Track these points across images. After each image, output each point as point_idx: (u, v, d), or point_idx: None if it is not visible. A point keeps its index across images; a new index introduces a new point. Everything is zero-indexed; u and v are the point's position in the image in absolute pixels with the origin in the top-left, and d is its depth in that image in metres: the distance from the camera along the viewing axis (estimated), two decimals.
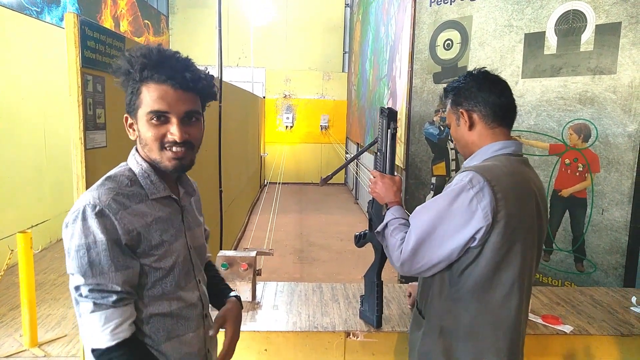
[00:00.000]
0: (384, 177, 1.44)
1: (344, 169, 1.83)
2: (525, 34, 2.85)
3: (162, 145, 1.00)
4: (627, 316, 1.84)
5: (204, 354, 1.14)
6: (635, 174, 2.49)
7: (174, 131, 0.98)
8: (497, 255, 1.15)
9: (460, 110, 1.29)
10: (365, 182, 7.36)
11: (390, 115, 1.46)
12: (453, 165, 3.40)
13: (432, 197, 3.55)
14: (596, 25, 2.57)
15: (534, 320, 1.75)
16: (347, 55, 10.72)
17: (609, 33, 2.53)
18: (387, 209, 1.38)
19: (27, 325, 2.86)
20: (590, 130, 2.63)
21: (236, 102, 5.67)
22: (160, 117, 0.98)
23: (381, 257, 1.59)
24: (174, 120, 0.98)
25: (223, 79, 4.62)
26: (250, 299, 1.90)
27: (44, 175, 5.05)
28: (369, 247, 1.67)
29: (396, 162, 1.58)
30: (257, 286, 2.02)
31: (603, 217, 2.62)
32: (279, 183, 9.09)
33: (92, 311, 0.92)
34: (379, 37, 6.40)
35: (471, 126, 1.28)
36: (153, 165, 1.03)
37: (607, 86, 2.55)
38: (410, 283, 1.82)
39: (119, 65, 0.99)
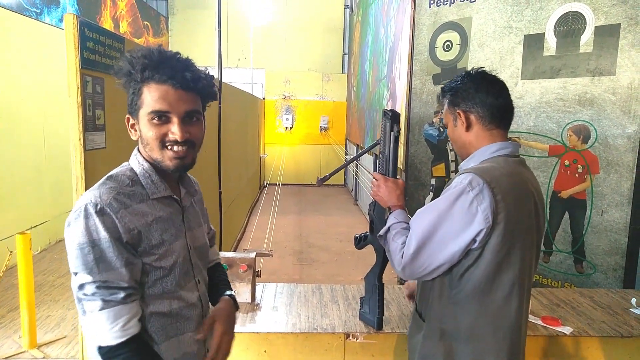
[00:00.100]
0: (387, 181, 1.43)
1: (341, 170, 1.82)
2: (524, 35, 2.85)
3: (163, 144, 1.00)
4: (626, 317, 1.84)
5: (204, 353, 1.14)
6: (634, 175, 2.49)
7: (175, 130, 0.99)
8: (497, 257, 1.15)
9: (458, 111, 1.28)
10: (365, 184, 7.36)
11: (393, 117, 1.46)
12: (452, 167, 3.40)
13: (432, 198, 3.55)
14: (595, 27, 2.57)
15: (533, 321, 1.75)
16: (346, 56, 10.73)
17: (608, 34, 2.53)
18: (390, 213, 1.38)
19: (26, 327, 2.86)
20: (589, 131, 2.63)
21: (236, 104, 5.67)
22: (161, 117, 0.99)
23: (382, 260, 1.59)
24: (175, 119, 0.99)
25: (223, 80, 4.62)
26: (249, 300, 1.89)
27: (43, 176, 5.04)
28: (368, 248, 1.67)
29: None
30: (257, 287, 2.02)
31: (602, 219, 2.62)
32: (279, 184, 9.09)
33: (101, 308, 0.92)
34: (378, 38, 6.40)
35: (468, 127, 1.27)
36: (154, 165, 1.04)
37: (607, 87, 2.55)
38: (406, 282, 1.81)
39: (120, 66, 1.00)
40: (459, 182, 1.16)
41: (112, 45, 1.82)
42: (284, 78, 10.33)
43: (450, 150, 3.37)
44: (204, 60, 9.02)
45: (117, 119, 1.83)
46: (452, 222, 1.14)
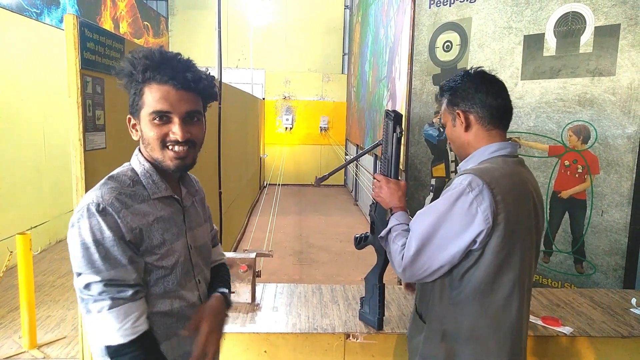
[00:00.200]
0: (389, 182, 1.43)
1: (341, 170, 1.82)
2: (524, 35, 2.85)
3: (164, 144, 1.01)
4: (627, 318, 1.84)
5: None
6: (634, 176, 2.49)
7: (176, 130, 1.00)
8: (498, 257, 1.14)
9: (457, 110, 1.28)
10: (365, 184, 7.36)
11: (395, 118, 1.45)
12: (452, 167, 3.40)
13: (432, 198, 3.55)
14: (595, 27, 2.57)
15: (533, 321, 1.75)
16: (346, 56, 10.73)
17: (608, 35, 2.53)
18: (392, 214, 1.37)
19: (26, 327, 2.86)
20: (589, 131, 2.63)
21: (236, 104, 5.67)
22: (162, 117, 0.99)
23: (383, 260, 1.59)
24: (175, 120, 1.00)
25: (223, 81, 4.63)
26: (249, 300, 1.89)
27: (43, 176, 5.04)
28: (368, 248, 1.67)
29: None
30: (257, 288, 2.02)
31: (603, 219, 2.63)
32: (279, 184, 9.09)
33: (110, 307, 0.91)
34: (378, 38, 6.40)
35: (467, 127, 1.27)
36: (155, 165, 1.05)
37: (607, 88, 2.55)
38: None
39: (121, 67, 1.01)
40: (458, 183, 1.16)
41: (112, 46, 1.82)
42: (284, 78, 10.33)
43: (451, 150, 3.38)
44: (204, 60, 9.02)
45: (117, 119, 1.83)
46: (452, 224, 1.14)
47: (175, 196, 1.09)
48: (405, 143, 3.66)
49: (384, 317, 1.70)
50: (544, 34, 2.77)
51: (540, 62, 2.79)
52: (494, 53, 2.99)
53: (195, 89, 1.02)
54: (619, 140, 2.53)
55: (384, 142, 1.48)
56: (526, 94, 2.85)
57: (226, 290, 1.20)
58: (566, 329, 1.71)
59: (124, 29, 8.09)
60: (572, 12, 2.65)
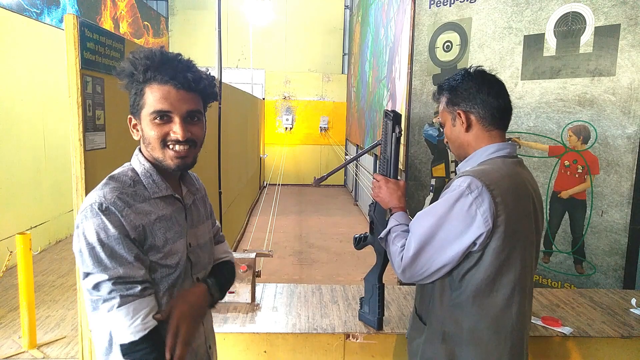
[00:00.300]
0: (389, 182, 1.43)
1: (340, 170, 1.82)
2: (524, 35, 2.85)
3: (165, 143, 1.01)
4: (627, 318, 1.84)
5: (205, 350, 1.15)
6: (634, 176, 2.49)
7: (176, 130, 1.00)
8: (498, 259, 1.14)
9: (458, 110, 1.27)
10: (365, 184, 7.36)
11: (395, 118, 1.45)
12: (452, 167, 3.40)
13: (432, 198, 3.55)
14: (595, 27, 2.57)
15: (533, 322, 1.75)
16: (346, 57, 10.73)
17: (608, 35, 2.53)
18: (391, 215, 1.37)
19: (26, 327, 2.86)
20: (589, 132, 2.63)
21: (236, 104, 5.67)
22: (163, 117, 1.00)
23: (383, 260, 1.59)
24: (176, 119, 1.00)
25: (223, 81, 4.63)
26: (249, 300, 1.89)
27: (43, 176, 5.04)
28: (368, 248, 1.67)
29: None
30: (257, 288, 2.02)
31: (602, 219, 2.63)
32: (279, 184, 9.09)
33: (120, 305, 0.92)
34: (378, 39, 6.40)
35: (468, 127, 1.26)
36: (156, 164, 1.05)
37: (607, 88, 2.55)
38: None
39: (122, 67, 1.01)
40: (457, 185, 1.15)
41: (112, 46, 1.82)
42: (284, 78, 10.33)
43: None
44: (204, 60, 9.02)
45: (117, 119, 1.83)
46: (451, 226, 1.13)
47: (176, 195, 1.09)
48: (405, 143, 3.66)
49: (383, 317, 1.70)
50: (544, 34, 2.77)
51: (540, 62, 2.79)
52: (494, 53, 2.99)
53: (196, 89, 1.02)
54: (619, 140, 2.53)
55: (383, 142, 1.48)
56: (526, 94, 2.85)
57: (213, 280, 1.14)
58: (566, 329, 1.71)
59: (124, 29, 8.09)
60: (572, 12, 2.65)
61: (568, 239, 2.77)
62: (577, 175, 2.71)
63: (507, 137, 1.30)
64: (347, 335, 1.67)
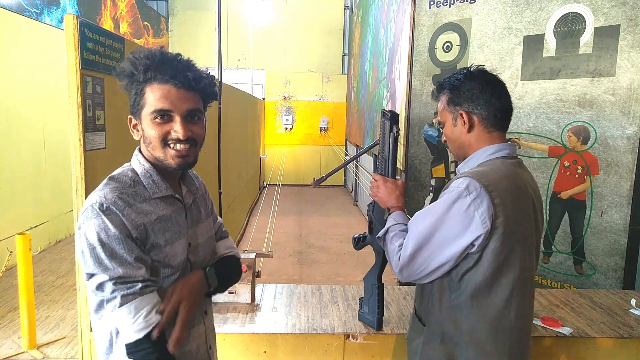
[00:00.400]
0: (387, 181, 1.43)
1: (338, 171, 1.81)
2: (524, 36, 2.86)
3: (166, 142, 1.02)
4: (626, 318, 1.84)
5: (205, 350, 1.15)
6: (634, 176, 2.49)
7: (177, 129, 1.00)
8: (497, 260, 1.14)
9: (460, 111, 1.26)
10: (364, 184, 7.36)
11: (392, 118, 1.45)
12: (452, 167, 3.40)
13: (432, 198, 3.55)
14: (595, 28, 2.57)
15: (533, 322, 1.75)
16: (346, 57, 10.73)
17: (607, 36, 2.53)
18: (389, 214, 1.37)
19: (25, 327, 2.85)
20: (589, 132, 2.63)
21: (236, 104, 5.67)
22: (163, 116, 1.00)
23: (382, 260, 1.59)
24: (177, 118, 1.01)
25: (222, 81, 4.63)
26: (249, 301, 1.89)
27: (43, 176, 5.04)
28: (368, 248, 1.67)
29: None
30: (257, 288, 2.02)
31: (602, 219, 2.63)
32: (279, 185, 9.09)
33: (121, 304, 0.93)
34: (378, 39, 6.41)
35: (470, 128, 1.25)
36: (156, 164, 1.05)
37: (606, 88, 2.55)
38: None
39: (122, 68, 1.02)
40: (455, 186, 1.15)
41: (112, 46, 1.82)
42: (284, 79, 10.33)
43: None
44: (204, 60, 9.02)
45: (117, 119, 1.83)
46: (449, 227, 1.13)
47: (176, 195, 1.09)
48: (405, 143, 3.66)
49: (383, 317, 1.70)
50: (543, 34, 2.77)
51: (540, 62, 2.79)
52: (494, 54, 3.00)
53: (196, 88, 1.03)
54: (619, 141, 2.53)
55: (381, 142, 1.48)
56: (526, 95, 2.85)
57: (212, 270, 1.13)
58: (566, 330, 1.71)
59: (124, 29, 8.09)
60: (572, 12, 2.65)
61: (568, 239, 2.77)
62: (576, 176, 2.71)
63: (507, 137, 1.30)
64: (347, 336, 1.67)
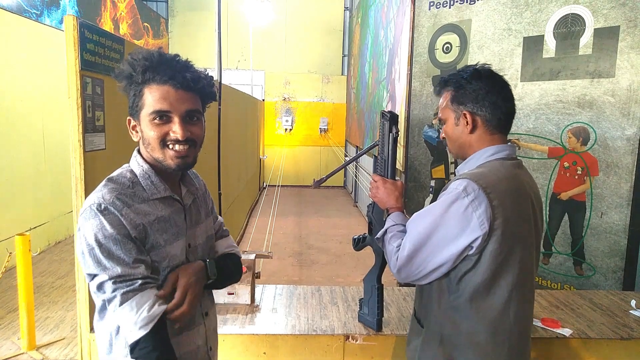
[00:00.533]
0: (386, 182, 1.43)
1: (338, 172, 1.81)
2: (524, 37, 2.86)
3: (165, 143, 1.02)
4: (626, 319, 1.84)
5: (206, 351, 1.15)
6: (634, 177, 2.49)
7: (176, 129, 1.00)
8: (495, 262, 1.13)
9: (464, 111, 1.23)
10: (364, 185, 7.36)
11: (392, 119, 1.45)
12: (452, 168, 3.40)
13: (431, 199, 3.55)
14: (595, 29, 2.58)
15: (533, 323, 1.75)
16: (346, 58, 10.74)
17: (607, 37, 2.53)
18: (388, 215, 1.37)
19: (25, 328, 2.85)
20: (589, 133, 2.64)
21: (235, 105, 5.67)
22: (162, 117, 1.00)
23: (382, 261, 1.59)
24: (175, 119, 1.01)
25: (222, 82, 4.63)
26: (249, 302, 1.89)
27: (42, 177, 5.04)
28: (368, 249, 1.67)
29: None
30: (256, 289, 2.02)
31: (602, 221, 2.63)
32: (278, 185, 9.09)
33: (122, 302, 0.93)
34: (378, 40, 6.41)
35: (472, 129, 1.23)
36: (155, 165, 1.05)
37: (606, 90, 2.55)
38: None
39: (121, 69, 1.02)
40: (453, 187, 1.15)
41: (112, 47, 1.82)
42: (284, 80, 10.34)
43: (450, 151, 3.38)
44: (204, 61, 9.02)
45: (117, 120, 1.83)
46: (447, 228, 1.13)
47: (175, 196, 1.09)
48: (405, 145, 3.66)
49: (383, 319, 1.70)
50: (543, 35, 2.78)
51: (540, 63, 2.80)
52: (494, 55, 3.00)
53: (194, 89, 1.03)
54: (619, 142, 2.53)
55: (381, 143, 1.48)
56: (526, 96, 2.85)
57: (212, 262, 1.12)
58: (565, 331, 1.71)
59: (123, 30, 8.09)
60: (572, 14, 2.66)
61: (567, 240, 2.77)
62: (576, 177, 2.71)
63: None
64: (347, 337, 1.67)
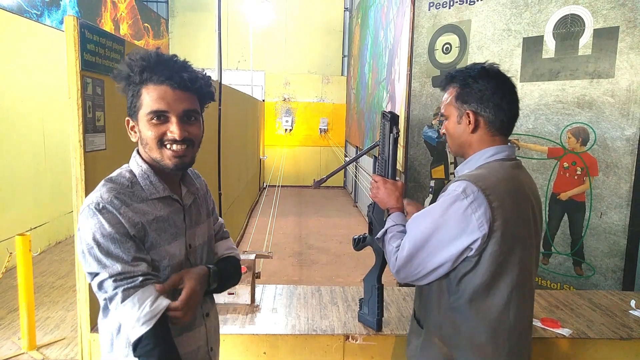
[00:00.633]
0: (386, 182, 1.43)
1: (338, 172, 1.81)
2: (523, 38, 2.86)
3: (162, 143, 1.02)
4: (626, 320, 1.84)
5: (206, 352, 1.15)
6: (633, 178, 2.50)
7: (173, 129, 1.01)
8: (495, 263, 1.13)
9: (468, 110, 1.22)
10: (364, 185, 7.36)
11: (392, 119, 1.46)
12: (452, 169, 3.41)
13: (431, 200, 3.55)
14: (594, 30, 2.58)
15: (533, 323, 1.75)
16: (346, 58, 10.74)
17: (607, 37, 2.54)
18: (388, 215, 1.37)
19: (25, 328, 2.85)
20: (588, 133, 2.64)
21: (235, 105, 5.67)
22: (160, 117, 1.00)
23: (382, 261, 1.59)
24: (173, 119, 1.01)
25: (222, 82, 4.63)
26: (249, 302, 1.90)
27: (43, 177, 5.04)
28: (367, 249, 1.67)
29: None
30: (256, 289, 2.02)
31: (601, 221, 2.63)
32: (278, 186, 9.09)
33: (123, 299, 0.93)
34: (378, 41, 6.42)
35: (474, 129, 1.22)
36: (153, 165, 1.06)
37: (605, 90, 2.56)
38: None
39: (119, 70, 1.02)
40: (453, 189, 1.15)
41: (112, 47, 1.82)
42: (284, 80, 10.34)
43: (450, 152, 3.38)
44: (204, 62, 9.03)
45: (117, 120, 1.83)
46: (446, 229, 1.13)
47: (174, 196, 1.09)
48: (405, 145, 3.66)
49: (383, 319, 1.70)
50: (543, 36, 2.78)
51: (540, 64, 2.80)
52: (493, 55, 3.00)
53: (192, 89, 1.03)
54: (618, 142, 2.53)
55: (381, 143, 1.49)
56: (525, 96, 2.85)
57: (214, 268, 1.13)
58: (565, 331, 1.72)
59: (124, 30, 8.10)
60: (571, 14, 2.66)
61: (567, 240, 2.78)
62: (576, 177, 2.71)
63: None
64: (347, 337, 1.68)
